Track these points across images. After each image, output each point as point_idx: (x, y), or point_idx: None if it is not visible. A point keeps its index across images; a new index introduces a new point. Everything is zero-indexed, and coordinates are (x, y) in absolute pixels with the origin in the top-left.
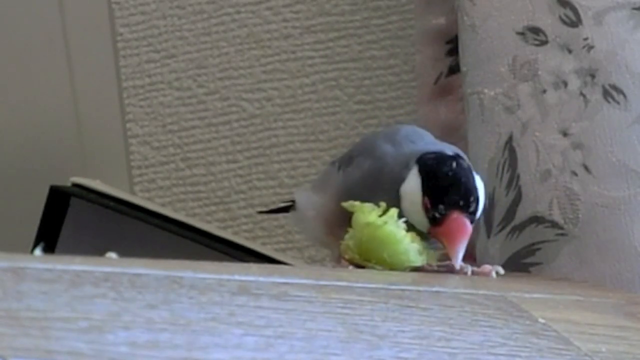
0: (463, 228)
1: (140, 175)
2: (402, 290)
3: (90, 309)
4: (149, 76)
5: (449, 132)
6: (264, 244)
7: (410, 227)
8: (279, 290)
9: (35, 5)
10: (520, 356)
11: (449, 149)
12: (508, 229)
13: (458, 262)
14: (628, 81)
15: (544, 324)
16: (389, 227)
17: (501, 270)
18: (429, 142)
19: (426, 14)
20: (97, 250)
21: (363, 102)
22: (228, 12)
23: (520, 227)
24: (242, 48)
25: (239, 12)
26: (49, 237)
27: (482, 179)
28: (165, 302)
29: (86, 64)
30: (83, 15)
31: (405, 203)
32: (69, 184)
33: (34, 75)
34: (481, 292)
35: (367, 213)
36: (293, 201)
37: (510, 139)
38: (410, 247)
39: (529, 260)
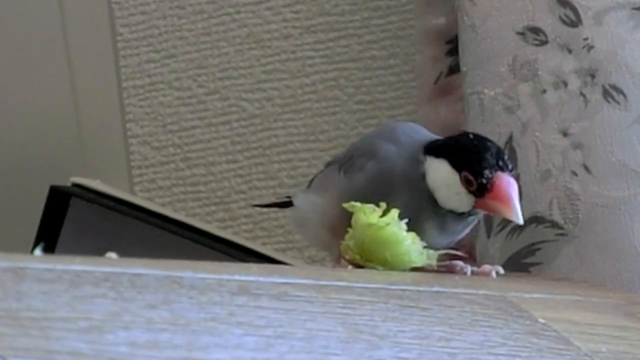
0: (513, 185)
1: (140, 175)
2: (402, 290)
3: (90, 309)
4: (149, 76)
5: (449, 132)
6: (264, 244)
7: (448, 213)
8: (279, 290)
9: (35, 5)
10: (520, 356)
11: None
12: (508, 229)
13: (519, 218)
14: (628, 81)
15: (544, 324)
16: (390, 228)
17: (501, 270)
18: (426, 135)
19: (426, 14)
20: (97, 250)
21: (363, 102)
22: (228, 12)
23: (520, 227)
24: (242, 48)
25: (239, 12)
26: (49, 237)
27: None
28: (165, 302)
29: (86, 64)
30: (83, 15)
31: (440, 192)
32: (69, 184)
33: (34, 75)
34: (481, 292)
35: (368, 214)
36: (289, 197)
37: (510, 139)
38: (411, 248)
39: (529, 260)
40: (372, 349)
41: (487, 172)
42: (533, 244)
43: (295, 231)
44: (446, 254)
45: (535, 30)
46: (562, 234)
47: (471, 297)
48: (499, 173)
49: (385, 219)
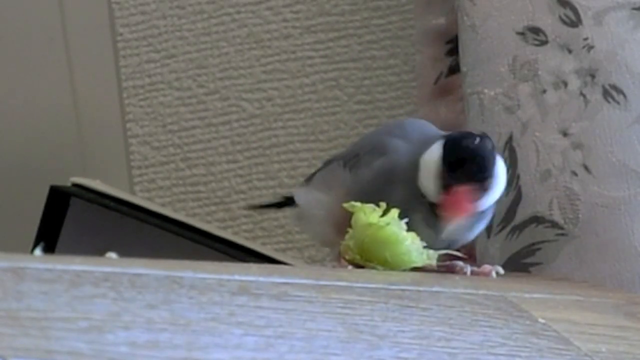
0: (468, 202)
1: (140, 175)
2: (402, 290)
3: (90, 309)
4: (149, 76)
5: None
6: (264, 244)
7: (419, 197)
8: (279, 290)
9: (35, 5)
10: (520, 356)
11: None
12: (508, 229)
13: (445, 233)
14: (628, 81)
15: (544, 324)
16: (390, 228)
17: (501, 270)
18: (436, 132)
19: (426, 14)
20: (97, 250)
21: (363, 102)
22: (228, 12)
23: (521, 227)
24: (242, 48)
25: (239, 12)
26: (49, 237)
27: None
28: (165, 302)
29: (86, 64)
30: (83, 15)
31: (423, 171)
32: (69, 184)
33: (34, 75)
34: (481, 292)
35: (368, 214)
36: (287, 198)
37: (510, 139)
38: (411, 248)
39: (529, 260)
40: (372, 349)
41: (456, 175)
42: (533, 244)
43: (297, 228)
44: (446, 254)
45: (535, 30)
46: (562, 234)
47: (471, 297)
48: (468, 185)
49: (385, 218)
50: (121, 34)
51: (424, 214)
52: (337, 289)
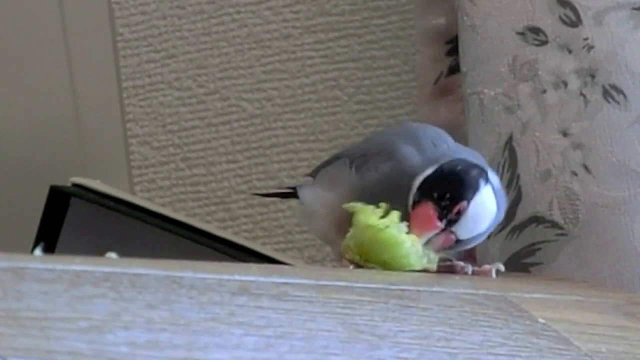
0: (425, 220)
1: (140, 175)
2: (402, 290)
3: (90, 309)
4: (149, 76)
5: (449, 132)
6: (264, 244)
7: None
8: (279, 290)
9: (35, 5)
10: (520, 356)
11: (473, 156)
12: (508, 229)
13: (404, 249)
14: (628, 81)
15: (544, 324)
16: (390, 230)
17: (502, 267)
18: (451, 146)
19: (426, 14)
20: (97, 250)
21: (363, 102)
22: (228, 12)
23: (521, 227)
24: (242, 48)
25: (239, 12)
26: (49, 237)
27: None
28: (165, 302)
29: (86, 64)
30: (83, 15)
31: (412, 188)
32: (69, 184)
33: (34, 75)
34: (481, 292)
35: (368, 215)
36: (290, 188)
37: (510, 139)
38: (411, 251)
39: (529, 260)
40: (372, 349)
41: (418, 193)
42: (533, 244)
43: (301, 223)
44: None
45: (535, 30)
46: (562, 234)
47: (471, 297)
48: (427, 203)
49: (385, 221)
50: (121, 34)
51: None
52: (337, 289)
